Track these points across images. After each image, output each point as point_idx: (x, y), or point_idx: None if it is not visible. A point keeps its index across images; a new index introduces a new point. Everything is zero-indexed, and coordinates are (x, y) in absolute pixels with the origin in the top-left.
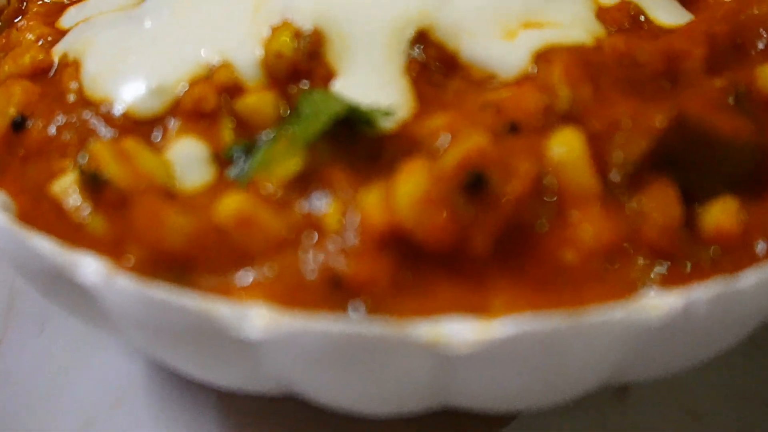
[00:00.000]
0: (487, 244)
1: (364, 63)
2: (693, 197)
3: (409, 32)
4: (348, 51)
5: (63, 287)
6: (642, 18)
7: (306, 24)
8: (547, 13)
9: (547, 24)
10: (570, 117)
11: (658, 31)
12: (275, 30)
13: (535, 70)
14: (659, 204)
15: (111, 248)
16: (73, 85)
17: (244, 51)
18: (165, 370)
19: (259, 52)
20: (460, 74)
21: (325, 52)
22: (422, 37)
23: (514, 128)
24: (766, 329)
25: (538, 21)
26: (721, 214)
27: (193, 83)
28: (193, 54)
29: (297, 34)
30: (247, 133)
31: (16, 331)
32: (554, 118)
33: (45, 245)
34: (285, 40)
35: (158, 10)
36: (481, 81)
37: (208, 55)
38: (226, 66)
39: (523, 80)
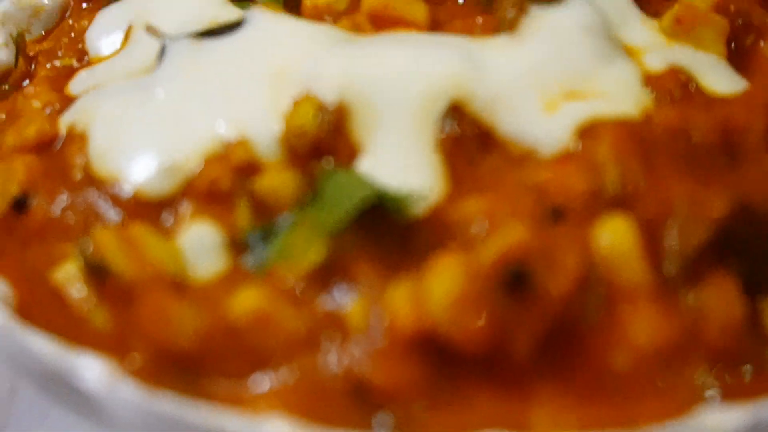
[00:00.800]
0: (530, 348)
1: (392, 139)
2: (756, 289)
3: (442, 104)
4: (375, 125)
5: (63, 390)
6: (693, 86)
7: (330, 96)
8: (591, 81)
9: (591, 94)
10: (619, 201)
11: (711, 101)
12: (297, 103)
13: (579, 147)
14: (720, 300)
15: (115, 345)
16: (80, 160)
17: (263, 126)
18: None
19: (278, 127)
20: (497, 151)
21: (350, 127)
22: (455, 110)
23: (557, 214)
24: None
25: (580, 90)
26: None
27: (208, 162)
28: (208, 128)
29: (320, 108)
30: (265, 215)
31: (18, 419)
32: (602, 202)
33: (44, 346)
34: (307, 115)
35: (171, 79)
36: (520, 158)
37: (223, 130)
38: (242, 143)
39: (566, 158)
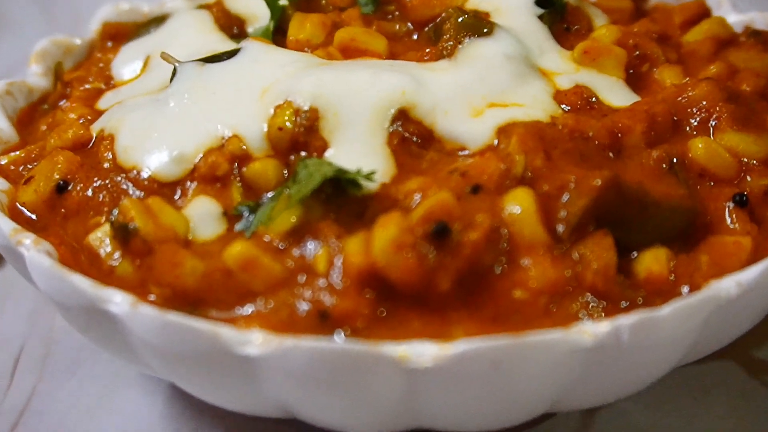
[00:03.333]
0: (450, 284)
1: (352, 136)
2: (629, 249)
3: (392, 111)
4: (339, 126)
5: (96, 318)
6: (594, 100)
7: (305, 104)
8: (511, 95)
9: (510, 105)
10: (524, 180)
11: (607, 111)
12: (278, 108)
13: (497, 142)
14: (597, 252)
15: (137, 288)
16: (108, 155)
17: (252, 125)
18: (181, 406)
19: (264, 128)
20: (435, 146)
21: (320, 127)
22: (402, 115)
23: (476, 189)
24: None
25: (502, 102)
26: (652, 261)
27: (208, 153)
28: (209, 129)
29: (296, 112)
30: (253, 194)
31: (51, 375)
32: (511, 181)
33: (82, 282)
34: (286, 117)
35: (180, 94)
36: (453, 152)
37: (221, 130)
38: (236, 138)
39: (487, 150)
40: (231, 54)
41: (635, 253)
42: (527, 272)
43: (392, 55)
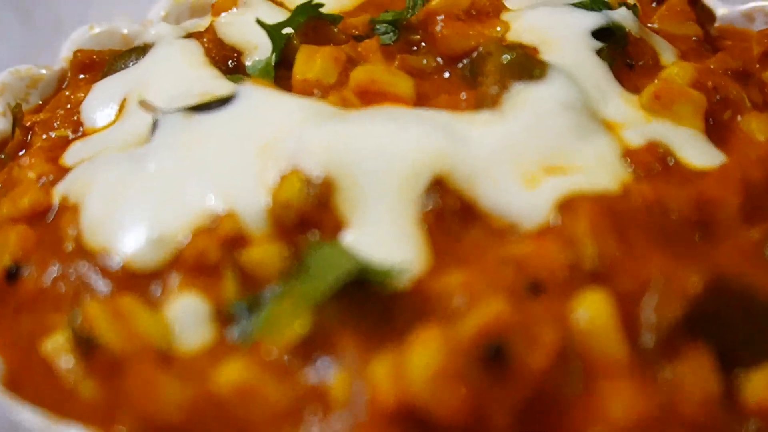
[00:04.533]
0: (508, 421)
1: (376, 213)
2: (732, 363)
3: (425, 179)
4: (359, 200)
5: None
6: (671, 159)
7: (315, 170)
8: (570, 156)
9: (570, 169)
10: (596, 275)
11: (688, 175)
12: (284, 178)
13: (559, 221)
14: (695, 374)
15: (102, 416)
16: (72, 231)
17: (250, 199)
18: None
19: (265, 200)
20: (479, 224)
21: (335, 201)
22: (438, 184)
23: (536, 288)
24: None
25: (560, 165)
26: (763, 384)
27: (196, 234)
28: (197, 201)
29: (306, 183)
30: (252, 287)
31: None
32: (579, 276)
33: (32, 418)
34: (293, 189)
35: (162, 152)
36: (501, 231)
37: (212, 202)
38: (230, 216)
39: (546, 232)
40: (224, 101)
41: (741, 370)
42: (605, 401)
43: (420, 99)
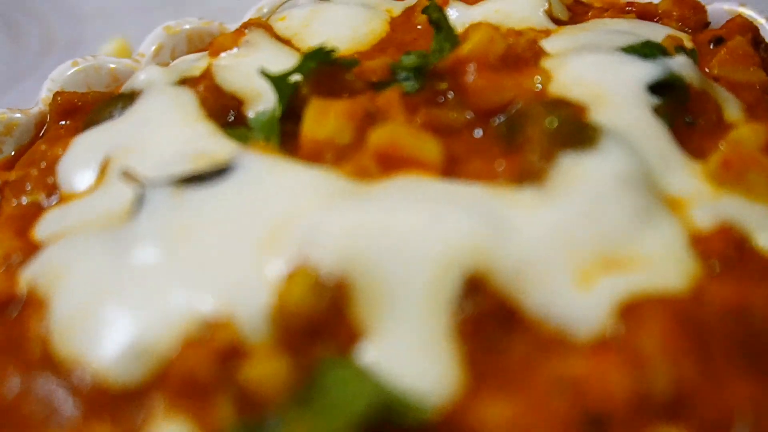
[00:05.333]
0: None
1: (401, 321)
2: None
3: (459, 278)
4: (381, 304)
5: None
6: (747, 245)
7: (329, 265)
8: (630, 246)
9: (631, 263)
10: (670, 407)
11: None
12: (291, 276)
13: (620, 332)
14: None
15: None
16: (39, 331)
17: (251, 300)
18: None
19: (268, 301)
20: (523, 333)
21: (351, 306)
22: (474, 284)
23: (597, 424)
24: None
25: (618, 258)
26: None
27: (185, 345)
28: (187, 303)
29: (317, 283)
30: (251, 411)
31: None
32: (651, 408)
33: None
34: (302, 290)
35: (147, 239)
36: (550, 342)
37: (204, 306)
38: (226, 324)
39: (606, 347)
40: (220, 171)
41: None
42: None
43: (450, 164)
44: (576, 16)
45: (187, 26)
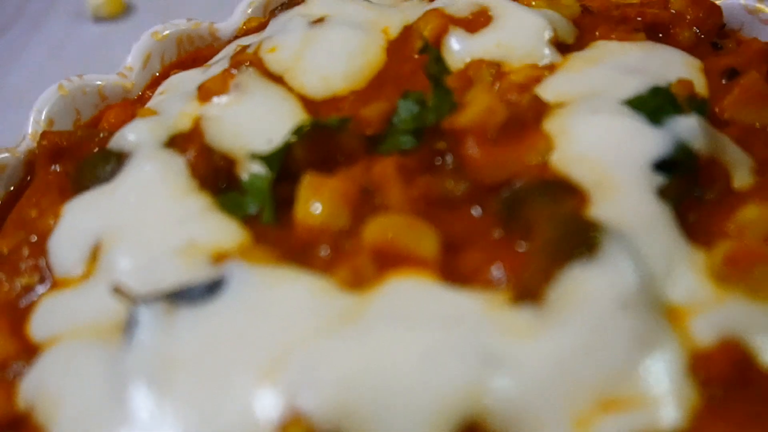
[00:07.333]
0: None
1: None
2: None
3: (453, 425)
4: None
5: None
6: (749, 363)
7: (322, 416)
8: (629, 378)
9: (630, 401)
10: None
11: None
12: (284, 429)
13: None
14: None
15: None
16: None
17: None
18: None
19: None
20: None
21: None
22: (470, 429)
23: None
24: None
25: (617, 395)
26: None
27: None
28: None
29: None
30: None
31: None
32: None
33: None
34: None
35: (142, 376)
36: None
37: None
38: None
39: None
40: (212, 287)
41: None
42: None
43: (447, 251)
44: (584, 33)
45: (175, 30)
